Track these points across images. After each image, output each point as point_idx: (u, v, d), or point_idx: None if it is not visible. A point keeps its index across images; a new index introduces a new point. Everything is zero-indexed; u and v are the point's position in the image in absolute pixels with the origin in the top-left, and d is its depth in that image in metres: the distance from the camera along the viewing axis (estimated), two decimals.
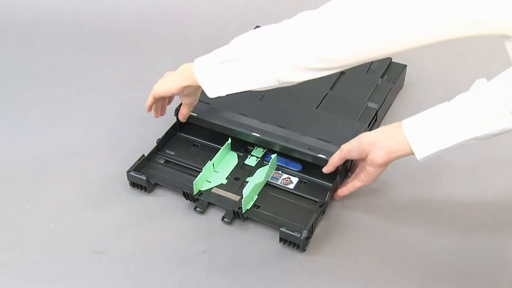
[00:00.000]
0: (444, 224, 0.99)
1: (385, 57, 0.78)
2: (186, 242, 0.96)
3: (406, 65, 1.26)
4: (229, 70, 0.89)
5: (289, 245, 0.94)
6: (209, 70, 0.91)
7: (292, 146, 1.04)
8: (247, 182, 1.03)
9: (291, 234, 0.92)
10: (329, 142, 1.03)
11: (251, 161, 1.08)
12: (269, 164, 1.04)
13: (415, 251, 0.95)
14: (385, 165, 0.92)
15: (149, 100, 1.03)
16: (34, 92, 1.28)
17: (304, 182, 1.04)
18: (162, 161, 1.08)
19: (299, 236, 0.92)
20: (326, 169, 0.99)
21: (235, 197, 1.01)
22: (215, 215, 1.00)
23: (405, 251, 0.95)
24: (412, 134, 0.87)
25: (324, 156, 1.01)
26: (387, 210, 1.02)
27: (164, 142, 1.10)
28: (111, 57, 1.39)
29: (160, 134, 1.10)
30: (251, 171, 1.06)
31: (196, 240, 0.96)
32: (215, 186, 1.03)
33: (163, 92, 1.00)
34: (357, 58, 0.79)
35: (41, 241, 0.96)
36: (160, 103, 1.06)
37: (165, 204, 1.02)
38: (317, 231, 0.97)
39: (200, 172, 1.02)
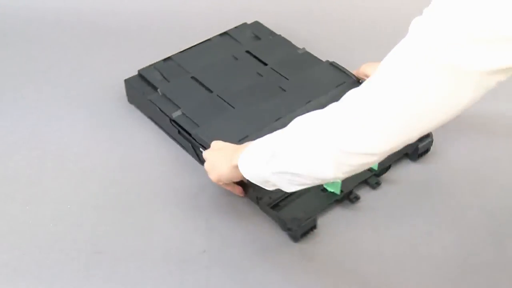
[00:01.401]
0: (444, 224, 0.99)
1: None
2: (186, 242, 0.96)
3: None
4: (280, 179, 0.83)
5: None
6: (257, 171, 0.86)
7: None
8: None
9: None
10: None
11: None
12: None
13: (415, 251, 0.95)
14: None
15: (227, 187, 1.00)
16: (34, 92, 1.28)
17: None
18: None
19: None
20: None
21: None
22: (214, 215, 1.00)
23: (405, 251, 0.95)
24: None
25: None
26: (386, 210, 1.02)
27: None
28: (111, 57, 1.38)
29: (160, 133, 1.10)
30: None
31: (196, 240, 0.97)
32: None
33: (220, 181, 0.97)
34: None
35: (41, 241, 0.96)
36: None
37: (165, 204, 1.03)
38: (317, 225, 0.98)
39: None
